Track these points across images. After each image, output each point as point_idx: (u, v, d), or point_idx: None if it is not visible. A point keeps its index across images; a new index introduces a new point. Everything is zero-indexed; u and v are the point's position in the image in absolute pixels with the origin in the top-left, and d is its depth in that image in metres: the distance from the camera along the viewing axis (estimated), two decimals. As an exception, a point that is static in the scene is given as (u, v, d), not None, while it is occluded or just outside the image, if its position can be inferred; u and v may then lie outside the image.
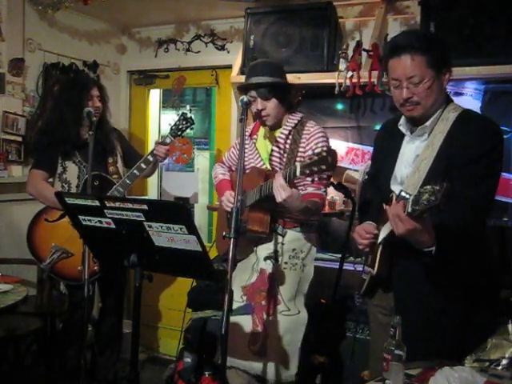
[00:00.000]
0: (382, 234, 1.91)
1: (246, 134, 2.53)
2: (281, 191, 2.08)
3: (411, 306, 1.87)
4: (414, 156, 1.90)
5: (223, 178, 2.63)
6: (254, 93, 2.33)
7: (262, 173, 2.36)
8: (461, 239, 1.70)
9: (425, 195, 1.48)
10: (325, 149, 1.96)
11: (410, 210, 1.54)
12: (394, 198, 1.86)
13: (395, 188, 1.94)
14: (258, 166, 2.45)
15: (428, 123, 1.87)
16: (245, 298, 2.44)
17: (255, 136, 2.53)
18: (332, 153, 1.93)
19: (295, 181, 2.31)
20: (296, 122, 2.39)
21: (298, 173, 1.99)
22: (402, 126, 1.97)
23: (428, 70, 1.79)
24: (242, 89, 2.39)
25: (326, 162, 1.92)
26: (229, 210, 2.41)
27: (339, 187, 2.76)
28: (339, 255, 2.82)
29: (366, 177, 2.36)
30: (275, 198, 2.11)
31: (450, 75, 1.86)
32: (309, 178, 2.07)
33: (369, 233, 1.97)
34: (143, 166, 2.88)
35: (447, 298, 1.82)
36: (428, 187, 1.48)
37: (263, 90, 2.30)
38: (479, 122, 1.86)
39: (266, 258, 2.39)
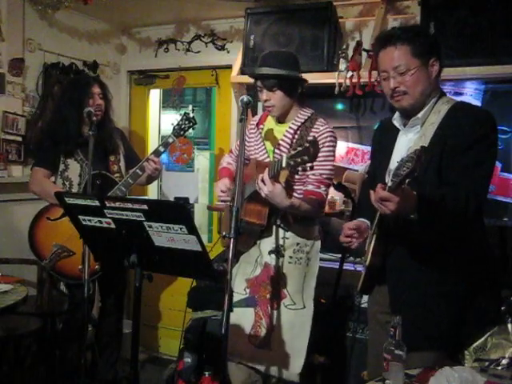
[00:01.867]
0: (374, 222, 1.92)
1: (253, 123, 2.55)
2: (262, 186, 2.11)
3: (405, 293, 1.87)
4: (407, 148, 1.91)
5: (225, 166, 2.64)
6: (259, 83, 2.35)
7: (260, 165, 2.36)
8: (448, 212, 1.69)
9: (402, 165, 1.50)
10: (309, 139, 1.99)
11: (390, 183, 1.55)
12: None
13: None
14: (262, 157, 2.44)
15: (420, 115, 1.88)
16: (248, 290, 2.44)
17: (262, 126, 2.52)
18: (314, 144, 1.96)
19: (296, 177, 2.32)
20: (306, 117, 2.38)
21: (283, 164, 2.00)
22: (396, 120, 1.99)
23: (413, 59, 1.81)
24: (251, 77, 2.45)
25: (308, 152, 1.94)
26: (220, 199, 2.44)
27: (339, 187, 2.76)
28: (339, 255, 2.82)
29: (367, 176, 2.36)
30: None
31: (439, 67, 1.86)
32: (296, 170, 2.06)
33: (350, 229, 1.97)
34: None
35: (440, 282, 1.82)
36: (404, 157, 1.51)
37: (268, 81, 2.32)
38: (471, 111, 1.87)
39: (270, 252, 2.38)
